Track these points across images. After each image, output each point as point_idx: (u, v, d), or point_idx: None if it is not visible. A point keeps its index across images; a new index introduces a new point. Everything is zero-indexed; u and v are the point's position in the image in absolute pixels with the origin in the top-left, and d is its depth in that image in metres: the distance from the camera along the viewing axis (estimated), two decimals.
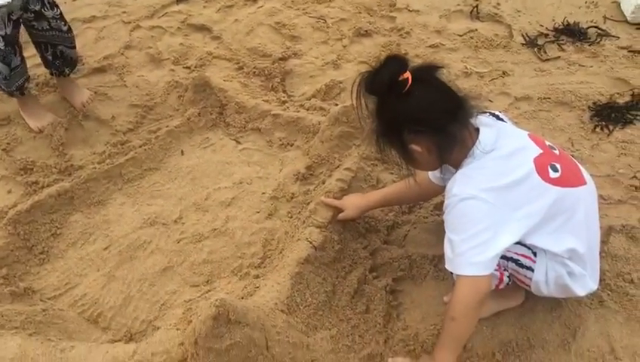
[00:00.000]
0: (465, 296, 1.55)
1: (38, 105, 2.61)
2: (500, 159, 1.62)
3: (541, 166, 1.62)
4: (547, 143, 1.72)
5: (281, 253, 2.09)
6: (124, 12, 3.28)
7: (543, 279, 1.67)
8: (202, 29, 3.17)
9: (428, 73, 1.61)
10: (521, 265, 1.66)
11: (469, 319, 1.57)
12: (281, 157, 2.48)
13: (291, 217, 2.23)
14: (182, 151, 2.53)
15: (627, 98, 2.62)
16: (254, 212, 2.27)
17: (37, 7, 2.42)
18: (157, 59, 2.98)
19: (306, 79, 2.83)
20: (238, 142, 2.57)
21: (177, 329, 1.68)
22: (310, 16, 3.19)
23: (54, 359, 1.57)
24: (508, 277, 1.71)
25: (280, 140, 2.54)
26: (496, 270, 1.64)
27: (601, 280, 1.84)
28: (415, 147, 1.62)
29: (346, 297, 1.96)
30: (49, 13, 2.47)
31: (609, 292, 1.87)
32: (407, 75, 1.55)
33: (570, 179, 1.65)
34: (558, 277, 1.66)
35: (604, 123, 2.50)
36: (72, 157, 2.49)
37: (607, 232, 2.01)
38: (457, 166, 1.68)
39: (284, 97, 2.72)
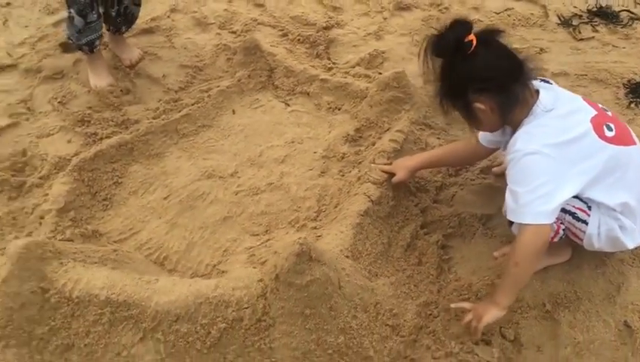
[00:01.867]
0: (529, 242, 1.66)
1: (103, 66, 2.67)
2: (560, 118, 1.74)
3: (597, 125, 1.74)
4: (600, 106, 1.84)
5: (335, 207, 2.19)
6: None
7: (596, 232, 1.79)
8: None
9: (491, 36, 1.73)
10: (577, 218, 1.78)
11: (531, 264, 1.69)
12: (330, 120, 2.58)
13: (343, 175, 2.32)
14: (233, 111, 2.61)
15: None
16: (307, 169, 2.36)
17: None
18: (203, 22, 3.05)
19: (349, 48, 2.92)
20: (287, 105, 2.65)
21: (254, 268, 1.78)
22: None
23: (141, 289, 1.67)
24: (563, 230, 1.83)
25: (328, 104, 2.63)
26: (554, 223, 1.76)
27: None
28: (479, 105, 1.73)
29: (400, 250, 2.07)
30: None
31: None
32: (472, 37, 1.67)
33: (623, 139, 1.78)
34: (609, 230, 1.78)
35: (638, 100, 2.62)
36: (126, 112, 2.56)
37: None
38: (517, 126, 1.79)
39: (329, 64, 2.81)
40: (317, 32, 2.97)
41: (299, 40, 2.94)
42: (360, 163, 2.32)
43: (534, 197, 1.65)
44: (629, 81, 2.70)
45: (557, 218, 1.78)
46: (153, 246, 2.10)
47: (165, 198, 2.27)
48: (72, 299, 1.65)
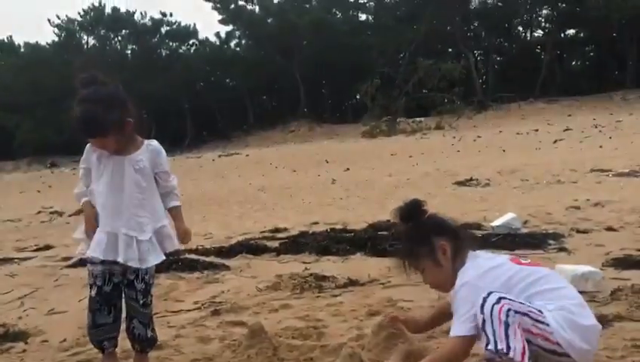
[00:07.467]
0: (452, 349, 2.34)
1: None
2: (484, 258, 2.48)
3: (514, 259, 2.49)
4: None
5: None
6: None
7: (558, 325, 2.15)
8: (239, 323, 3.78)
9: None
10: (535, 319, 2.16)
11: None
12: None
13: None
14: None
15: None
16: None
17: (132, 277, 2.77)
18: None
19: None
20: None
21: None
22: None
23: None
24: (530, 350, 2.13)
25: None
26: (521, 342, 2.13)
27: None
28: (443, 243, 2.44)
29: None
30: (138, 286, 2.79)
31: None
32: (426, 206, 2.54)
33: (535, 265, 2.48)
34: (565, 317, 2.18)
35: None
36: None
37: None
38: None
39: None
40: None
41: None
42: None
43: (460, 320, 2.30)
44: None
45: (518, 325, 2.12)
46: None
47: None
48: None
